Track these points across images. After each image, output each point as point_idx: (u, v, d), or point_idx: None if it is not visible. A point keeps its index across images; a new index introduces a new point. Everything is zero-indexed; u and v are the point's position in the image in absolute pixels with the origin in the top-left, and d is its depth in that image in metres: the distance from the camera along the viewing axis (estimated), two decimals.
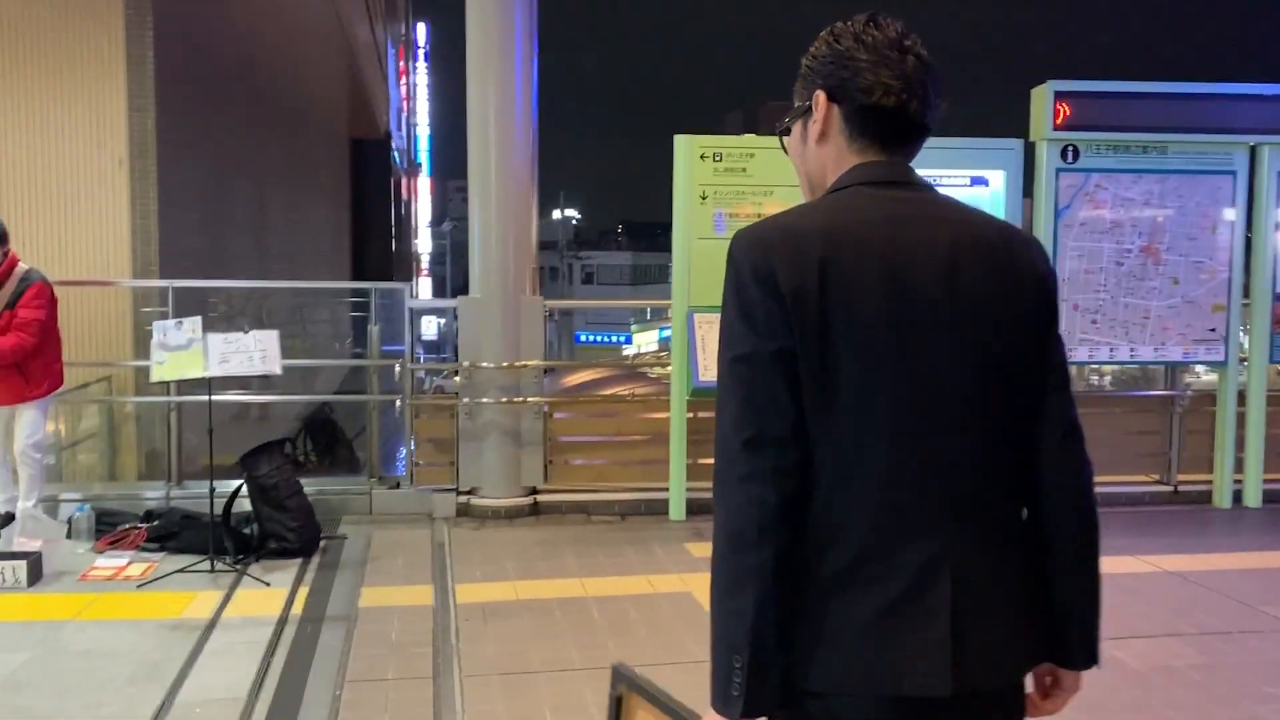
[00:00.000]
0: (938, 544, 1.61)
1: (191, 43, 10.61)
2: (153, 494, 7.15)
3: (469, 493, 7.23)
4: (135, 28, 9.54)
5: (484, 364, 7.10)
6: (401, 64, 32.94)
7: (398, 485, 7.32)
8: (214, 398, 6.31)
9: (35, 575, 5.69)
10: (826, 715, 1.61)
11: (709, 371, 6.55)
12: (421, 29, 37.86)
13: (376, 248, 25.18)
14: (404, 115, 32.77)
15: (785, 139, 1.86)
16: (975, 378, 1.65)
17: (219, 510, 6.14)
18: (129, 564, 6.03)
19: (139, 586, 5.67)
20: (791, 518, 1.58)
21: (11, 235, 6.48)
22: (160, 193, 9.80)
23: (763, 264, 1.61)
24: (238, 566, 5.92)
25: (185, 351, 5.88)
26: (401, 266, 28.57)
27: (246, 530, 6.33)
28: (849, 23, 1.74)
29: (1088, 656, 1.75)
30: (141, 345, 7.71)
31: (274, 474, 6.31)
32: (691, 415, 6.90)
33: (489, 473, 7.16)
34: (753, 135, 7.14)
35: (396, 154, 28.26)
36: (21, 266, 6.24)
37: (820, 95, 1.74)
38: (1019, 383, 1.69)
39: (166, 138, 9.87)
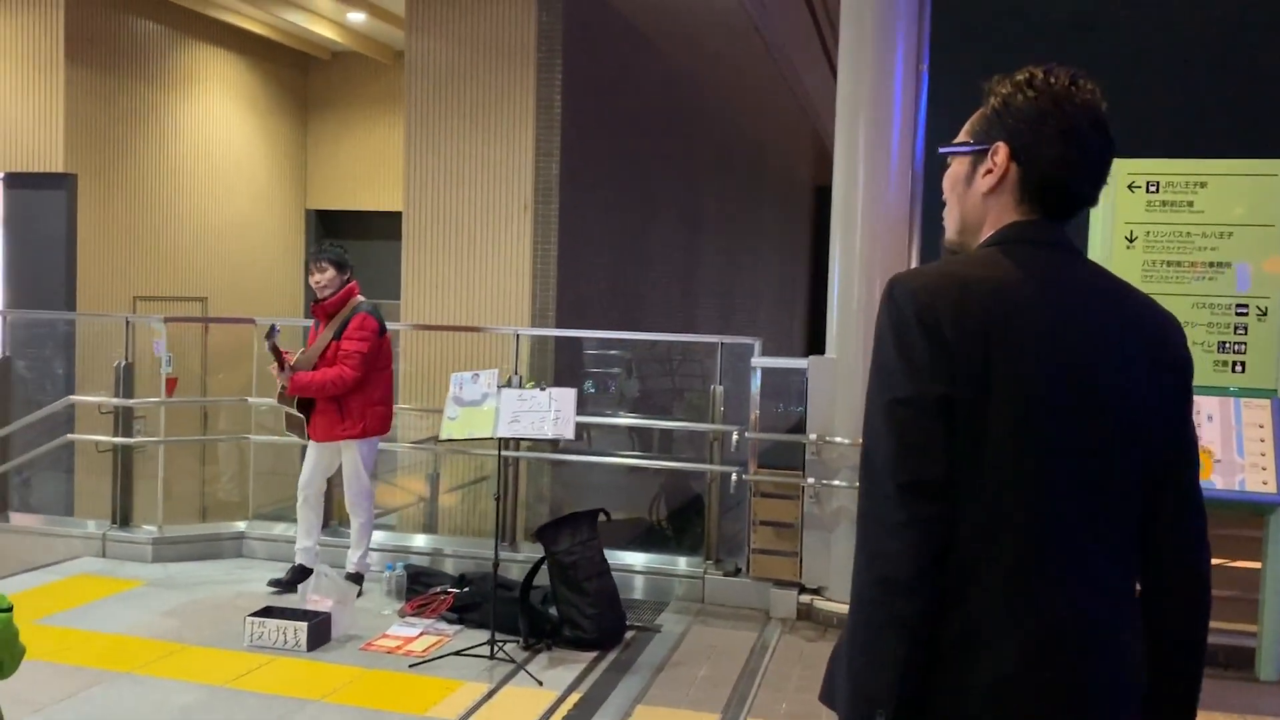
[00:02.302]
0: (1066, 609, 1.60)
1: (603, 87, 10.39)
2: (486, 554, 6.69)
3: (814, 592, 6.04)
4: (545, 72, 9.44)
5: (836, 439, 5.89)
6: None
7: (737, 572, 6.31)
8: (543, 456, 5.67)
9: (319, 639, 5.32)
10: None
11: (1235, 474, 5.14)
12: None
13: None
14: None
15: (947, 161, 1.82)
16: (1121, 451, 1.63)
17: (499, 581, 5.50)
18: (419, 635, 5.53)
19: (411, 666, 5.11)
20: (941, 567, 1.57)
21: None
22: (561, 238, 9.62)
23: (928, 309, 1.60)
24: (521, 655, 5.21)
25: (479, 409, 5.29)
26: None
27: (551, 610, 5.64)
28: (1051, 78, 1.69)
29: None
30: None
31: (574, 550, 5.54)
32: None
33: (837, 571, 5.92)
34: (1203, 159, 5.38)
35: None
36: (357, 299, 6.03)
37: (1003, 149, 1.71)
38: (1156, 460, 1.67)
39: (571, 183, 9.68)
